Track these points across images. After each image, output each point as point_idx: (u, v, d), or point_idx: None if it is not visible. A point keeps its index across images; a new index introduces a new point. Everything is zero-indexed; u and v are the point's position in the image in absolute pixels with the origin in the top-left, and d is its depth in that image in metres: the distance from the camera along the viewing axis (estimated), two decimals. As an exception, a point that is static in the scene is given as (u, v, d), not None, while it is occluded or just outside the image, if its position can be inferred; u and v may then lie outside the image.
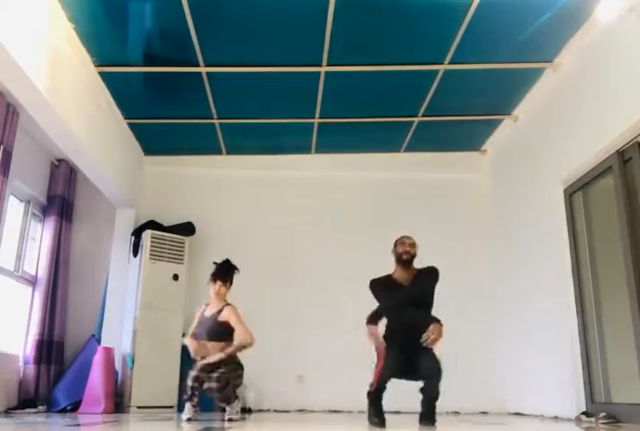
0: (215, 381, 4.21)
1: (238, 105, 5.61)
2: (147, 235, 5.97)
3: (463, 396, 5.91)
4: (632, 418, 3.80)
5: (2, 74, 3.65)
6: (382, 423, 3.79)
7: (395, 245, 4.02)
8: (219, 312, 4.39)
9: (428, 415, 3.81)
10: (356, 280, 6.01)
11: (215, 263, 4.59)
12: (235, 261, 4.68)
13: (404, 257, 3.95)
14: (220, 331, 4.34)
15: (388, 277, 4.04)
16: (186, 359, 5.76)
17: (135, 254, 6.05)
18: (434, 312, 3.98)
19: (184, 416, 4.19)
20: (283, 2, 4.10)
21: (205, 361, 4.26)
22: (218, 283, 4.47)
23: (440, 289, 6.10)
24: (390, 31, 4.43)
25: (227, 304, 4.45)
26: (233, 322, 4.32)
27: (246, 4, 4.12)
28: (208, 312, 4.44)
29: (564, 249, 4.80)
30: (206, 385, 4.23)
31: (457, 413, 5.80)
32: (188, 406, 4.23)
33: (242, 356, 4.48)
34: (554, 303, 4.95)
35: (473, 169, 6.74)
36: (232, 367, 4.29)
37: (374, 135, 6.29)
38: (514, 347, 5.81)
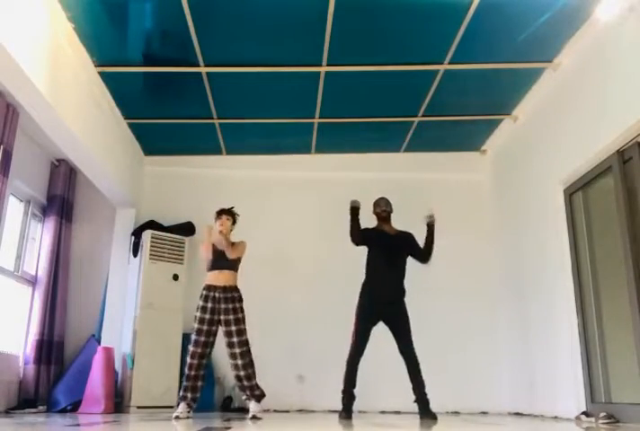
0: (237, 334, 4.48)
1: (238, 105, 5.61)
2: (147, 235, 5.97)
3: (463, 396, 5.92)
4: (632, 418, 3.80)
5: (2, 74, 3.65)
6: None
7: (374, 206, 4.97)
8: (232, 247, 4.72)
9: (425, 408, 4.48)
10: (356, 280, 6.04)
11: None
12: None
13: (383, 214, 4.94)
14: (233, 262, 4.72)
15: (376, 228, 4.98)
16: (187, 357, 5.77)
17: (135, 254, 6.05)
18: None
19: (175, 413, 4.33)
20: (283, 2, 4.10)
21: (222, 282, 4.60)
22: (224, 217, 4.80)
23: (440, 288, 6.14)
24: (390, 31, 4.43)
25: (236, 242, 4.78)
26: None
27: (246, 3, 4.11)
28: (221, 247, 4.71)
29: (564, 249, 4.80)
30: (227, 339, 4.49)
31: (457, 413, 5.80)
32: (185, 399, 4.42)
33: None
34: (554, 303, 4.95)
35: (473, 169, 6.74)
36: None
37: (374, 135, 6.29)
38: (514, 346, 5.81)
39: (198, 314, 4.51)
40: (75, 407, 5.28)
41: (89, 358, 5.47)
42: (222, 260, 4.66)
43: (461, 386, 5.94)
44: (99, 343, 5.74)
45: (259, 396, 4.44)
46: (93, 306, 6.06)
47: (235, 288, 4.64)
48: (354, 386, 4.64)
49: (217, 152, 6.64)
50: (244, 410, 5.56)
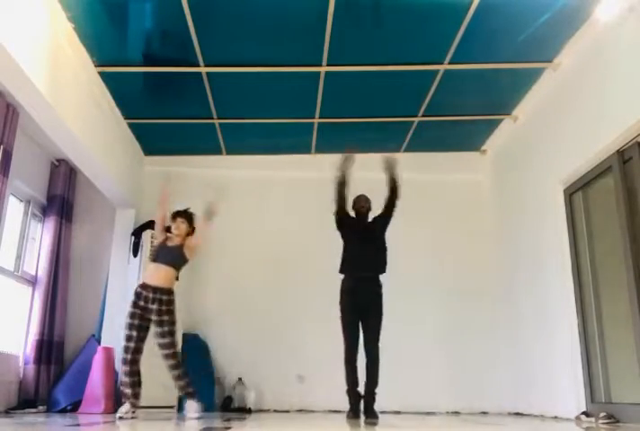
0: (160, 335, 4.38)
1: (238, 105, 5.62)
2: (147, 235, 5.97)
3: (463, 396, 5.92)
4: (632, 418, 3.80)
5: (2, 74, 3.65)
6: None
7: (354, 203, 4.91)
8: (182, 244, 4.63)
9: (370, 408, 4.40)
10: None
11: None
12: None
13: (362, 210, 4.86)
14: (178, 259, 4.61)
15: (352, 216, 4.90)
16: (190, 355, 5.77)
17: (135, 254, 6.05)
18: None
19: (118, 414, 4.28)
20: (283, 2, 4.10)
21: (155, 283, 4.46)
22: (179, 220, 4.65)
23: (440, 288, 6.15)
24: (390, 31, 4.43)
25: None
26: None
27: (246, 3, 4.12)
28: (171, 243, 4.64)
29: (564, 249, 4.80)
30: (158, 340, 4.40)
31: (457, 413, 5.80)
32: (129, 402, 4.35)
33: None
34: (554, 303, 4.95)
35: (473, 169, 6.74)
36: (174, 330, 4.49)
37: (374, 135, 6.28)
38: (514, 346, 5.81)
39: (130, 309, 4.44)
40: (75, 407, 5.28)
41: (89, 358, 5.46)
42: (165, 253, 4.57)
43: (461, 386, 5.94)
44: (99, 343, 5.74)
45: (192, 393, 4.50)
46: (93, 306, 6.06)
47: (167, 291, 4.50)
48: (356, 385, 4.53)
49: (217, 152, 6.64)
50: (245, 410, 5.57)
